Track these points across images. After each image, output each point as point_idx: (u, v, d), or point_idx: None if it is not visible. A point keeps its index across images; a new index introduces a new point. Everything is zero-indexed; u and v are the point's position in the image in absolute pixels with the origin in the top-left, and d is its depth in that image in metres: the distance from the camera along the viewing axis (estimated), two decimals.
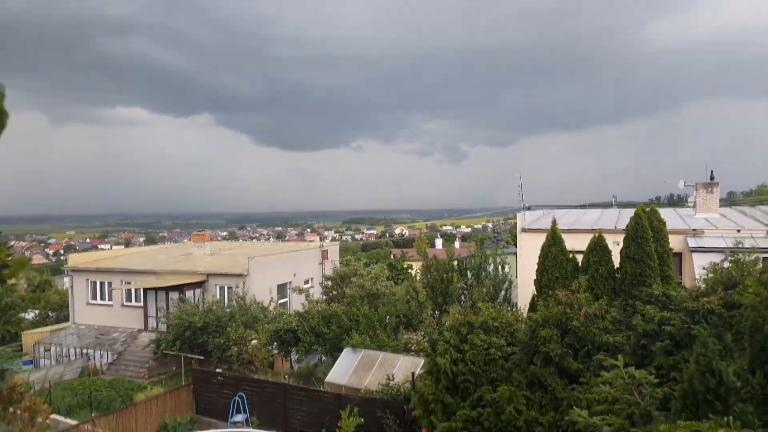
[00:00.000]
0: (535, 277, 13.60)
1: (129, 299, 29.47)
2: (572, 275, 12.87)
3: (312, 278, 32.77)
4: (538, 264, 13.52)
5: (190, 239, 40.65)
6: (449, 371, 12.51)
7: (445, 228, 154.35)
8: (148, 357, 24.85)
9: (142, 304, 28.55)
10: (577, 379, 11.27)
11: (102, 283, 30.32)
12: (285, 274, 30.17)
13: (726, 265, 11.36)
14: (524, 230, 19.08)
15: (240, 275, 26.78)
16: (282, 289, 29.71)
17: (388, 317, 18.32)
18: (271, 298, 26.03)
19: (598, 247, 12.38)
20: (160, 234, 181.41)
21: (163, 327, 26.30)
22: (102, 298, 30.25)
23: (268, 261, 29.19)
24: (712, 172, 20.47)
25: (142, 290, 28.27)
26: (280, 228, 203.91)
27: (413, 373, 14.85)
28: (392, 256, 57.14)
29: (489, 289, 15.94)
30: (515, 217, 21.72)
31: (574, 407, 11.00)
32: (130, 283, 29.05)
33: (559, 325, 11.44)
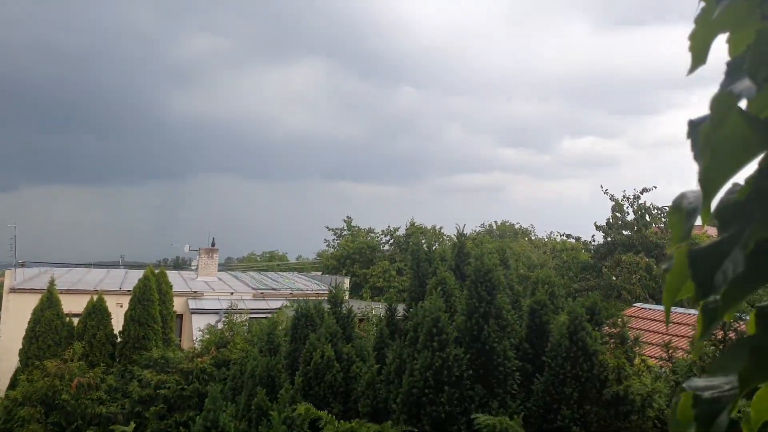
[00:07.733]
0: (21, 346, 11.59)
1: None
2: (67, 342, 11.62)
3: None
4: (26, 331, 11.61)
5: None
6: None
7: None
8: None
9: None
10: None
11: None
12: None
13: (220, 325, 12.71)
14: (13, 290, 16.12)
15: None
16: None
17: None
18: None
19: (96, 309, 11.69)
20: None
21: None
22: None
23: None
24: (213, 238, 23.04)
25: None
26: None
27: None
28: None
29: None
30: (3, 275, 18.12)
31: None
32: None
33: (45, 401, 9.99)
